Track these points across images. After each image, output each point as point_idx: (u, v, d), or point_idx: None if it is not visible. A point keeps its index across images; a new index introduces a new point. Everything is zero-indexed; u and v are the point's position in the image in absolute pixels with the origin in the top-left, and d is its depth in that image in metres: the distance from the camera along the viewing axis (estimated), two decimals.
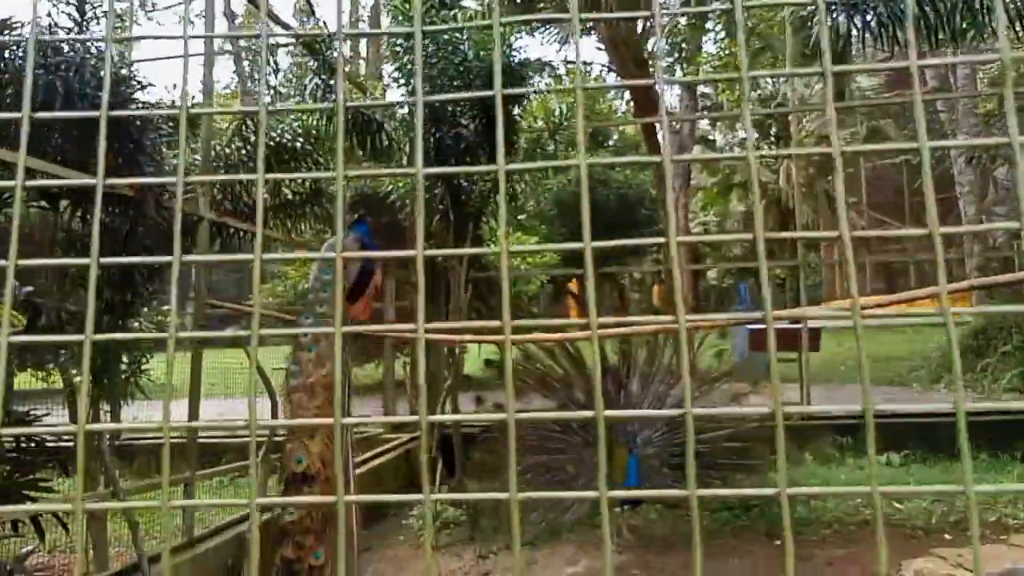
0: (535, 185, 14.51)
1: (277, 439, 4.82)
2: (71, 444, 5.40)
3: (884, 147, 0.60)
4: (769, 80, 22.27)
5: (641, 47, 14.80)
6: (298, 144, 7.72)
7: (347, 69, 8.10)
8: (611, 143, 25.23)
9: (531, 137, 10.40)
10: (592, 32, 16.57)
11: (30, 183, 0.61)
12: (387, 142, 7.74)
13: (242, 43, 20.35)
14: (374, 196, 11.06)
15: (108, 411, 5.59)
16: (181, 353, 5.93)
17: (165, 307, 8.09)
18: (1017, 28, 6.22)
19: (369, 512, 6.68)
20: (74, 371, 5.20)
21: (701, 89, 24.38)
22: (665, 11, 14.73)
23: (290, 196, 8.15)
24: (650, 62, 14.60)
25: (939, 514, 6.12)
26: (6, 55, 4.72)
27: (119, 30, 7.27)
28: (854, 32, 6.31)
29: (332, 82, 7.67)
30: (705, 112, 23.10)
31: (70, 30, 5.09)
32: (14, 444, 4.22)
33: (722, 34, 18.64)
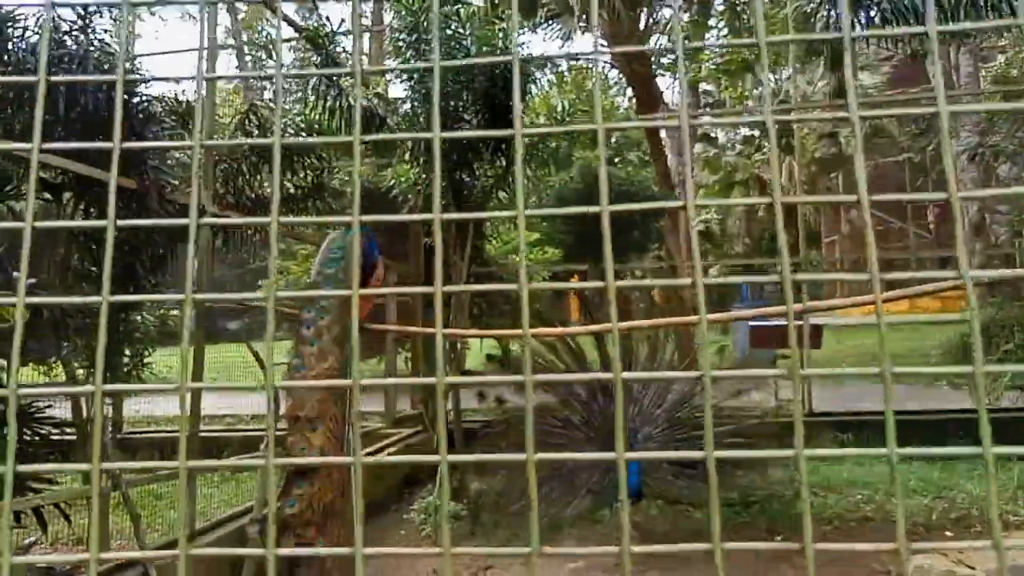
0: (537, 182, 14.51)
1: (279, 432, 4.83)
2: (73, 437, 5.42)
3: (904, 112, 0.60)
4: (772, 77, 22.24)
5: (643, 43, 14.78)
6: (301, 138, 7.73)
7: (348, 65, 8.10)
8: (612, 139, 25.22)
9: (533, 136, 10.37)
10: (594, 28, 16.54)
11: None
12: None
13: (244, 37, 20.32)
14: (376, 191, 11.07)
15: (111, 404, 5.61)
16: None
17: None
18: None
19: (370, 506, 6.70)
20: (76, 364, 5.21)
21: (703, 87, 24.36)
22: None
23: (292, 190, 8.16)
24: (652, 58, 14.61)
25: (940, 511, 6.13)
26: (10, 47, 4.73)
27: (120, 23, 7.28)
28: (858, 28, 6.30)
29: (335, 77, 7.67)
30: (708, 109, 23.07)
31: (73, 23, 5.10)
32: (17, 435, 4.23)
33: (724, 31, 18.63)
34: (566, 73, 22.67)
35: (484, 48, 7.22)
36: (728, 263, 23.43)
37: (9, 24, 4.90)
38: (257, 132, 7.34)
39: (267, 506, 4.91)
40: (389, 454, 7.69)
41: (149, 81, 5.23)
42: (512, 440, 6.17)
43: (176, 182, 5.41)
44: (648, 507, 6.39)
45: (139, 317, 6.15)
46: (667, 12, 16.18)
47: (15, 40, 4.84)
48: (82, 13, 5.20)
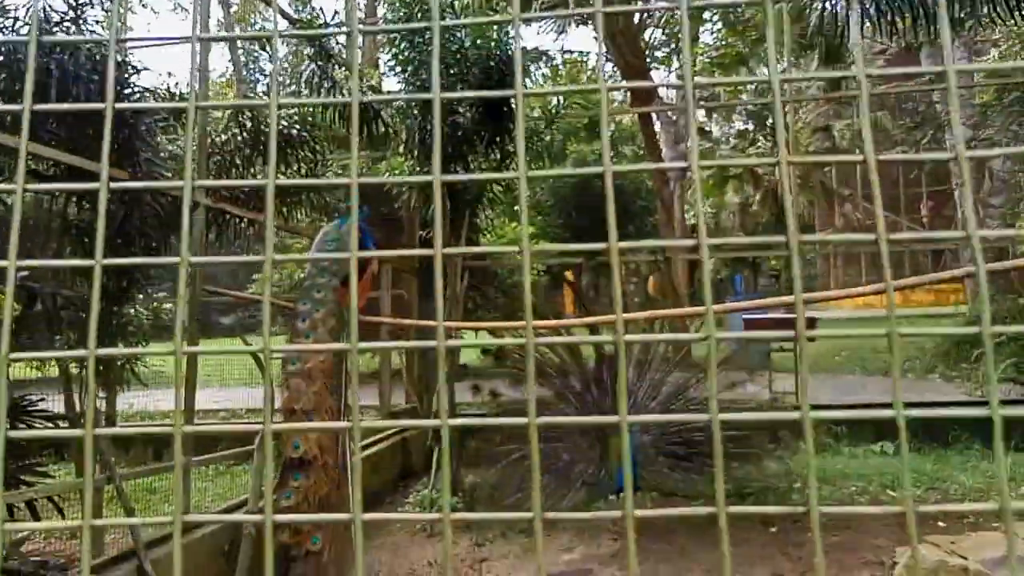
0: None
1: (274, 426, 4.82)
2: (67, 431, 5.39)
3: (913, 70, 0.59)
4: (766, 70, 22.22)
5: (638, 36, 14.76)
6: (295, 131, 7.69)
7: (343, 58, 8.04)
8: (605, 139, 25.16)
9: (528, 126, 10.37)
10: (588, 22, 16.52)
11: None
12: (384, 129, 7.71)
13: (236, 30, 20.21)
14: (370, 185, 11.02)
15: (104, 398, 5.58)
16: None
17: (161, 292, 8.06)
18: (1017, 17, 6.22)
19: (365, 499, 6.69)
20: (70, 358, 5.18)
21: (697, 80, 24.31)
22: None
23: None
24: (647, 52, 14.58)
25: (932, 502, 6.16)
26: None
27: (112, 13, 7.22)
28: (852, 21, 6.30)
29: (328, 69, 7.64)
30: (702, 103, 23.05)
31: (65, 14, 5.06)
32: (9, 428, 4.21)
33: (719, 25, 18.63)
34: (560, 67, 22.62)
35: (478, 40, 7.20)
36: (722, 255, 23.45)
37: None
38: (251, 125, 7.30)
39: (262, 498, 4.90)
40: (384, 447, 7.69)
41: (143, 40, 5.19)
42: (507, 433, 6.17)
43: (169, 175, 5.38)
44: (644, 500, 6.40)
45: (132, 311, 6.12)
46: (662, 5, 16.13)
47: (4, 31, 4.80)
48: (73, 4, 5.16)
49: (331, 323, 4.50)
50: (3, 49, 4.62)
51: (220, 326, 18.10)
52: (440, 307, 0.57)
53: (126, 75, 5.21)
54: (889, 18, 5.97)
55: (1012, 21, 6.48)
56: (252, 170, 7.26)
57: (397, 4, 7.66)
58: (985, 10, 6.28)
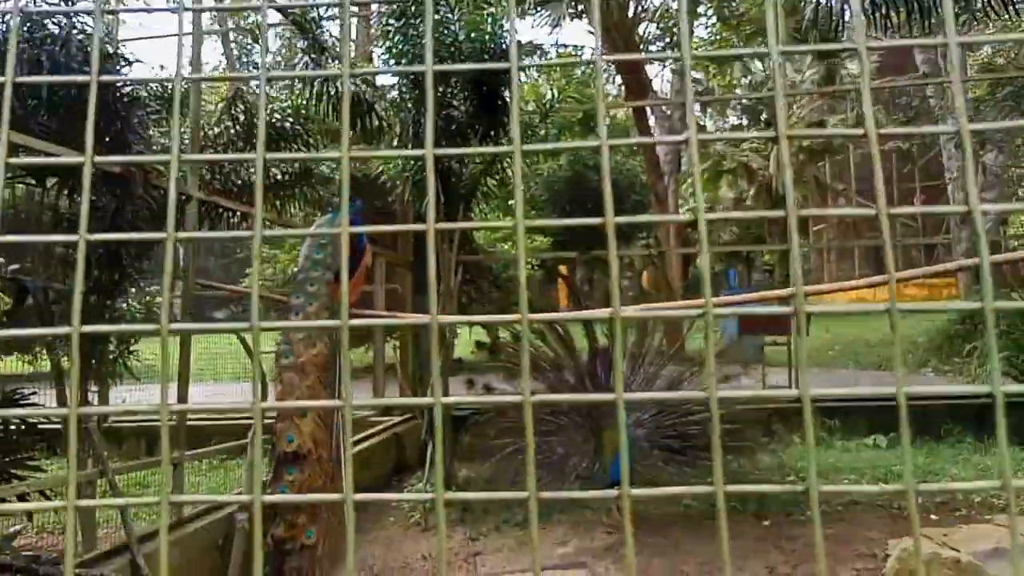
0: (525, 170, 14.46)
1: (267, 420, 4.81)
2: (59, 425, 5.38)
3: (912, 42, 0.58)
4: (760, 65, 22.24)
5: (632, 30, 14.73)
6: (288, 124, 7.66)
7: (336, 51, 8.00)
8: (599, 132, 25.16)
9: (522, 120, 10.33)
10: (583, 16, 16.48)
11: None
12: (377, 122, 7.69)
13: (230, 23, 20.09)
14: (364, 178, 11.00)
15: (96, 392, 5.56)
16: (171, 337, 5.88)
17: (154, 287, 8.03)
18: (1010, 10, 6.24)
19: (360, 492, 6.67)
20: (62, 352, 5.16)
21: (692, 74, 24.30)
22: None
23: (280, 177, 8.09)
24: (641, 46, 14.56)
25: (925, 495, 6.18)
26: None
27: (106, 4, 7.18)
28: (847, 15, 6.30)
29: (322, 61, 7.60)
30: (696, 97, 23.03)
31: (56, 4, 5.02)
32: (2, 425, 4.19)
33: (713, 19, 18.60)
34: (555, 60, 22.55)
35: (472, 33, 7.17)
36: (716, 251, 23.48)
37: None
38: (243, 118, 7.27)
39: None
40: (378, 441, 7.68)
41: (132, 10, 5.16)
42: (501, 428, 6.17)
43: (161, 168, 5.35)
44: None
45: (124, 304, 6.10)
46: (655, 0, 16.12)
47: None
48: None
49: (324, 317, 4.50)
50: None
51: (213, 320, 18.05)
52: (432, 283, 0.56)
53: (118, 67, 5.18)
54: (884, 11, 5.97)
55: (1006, 16, 6.49)
56: (245, 164, 7.22)
57: None
58: (979, 4, 6.29)
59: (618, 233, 0.55)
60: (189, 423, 5.88)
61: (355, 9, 15.49)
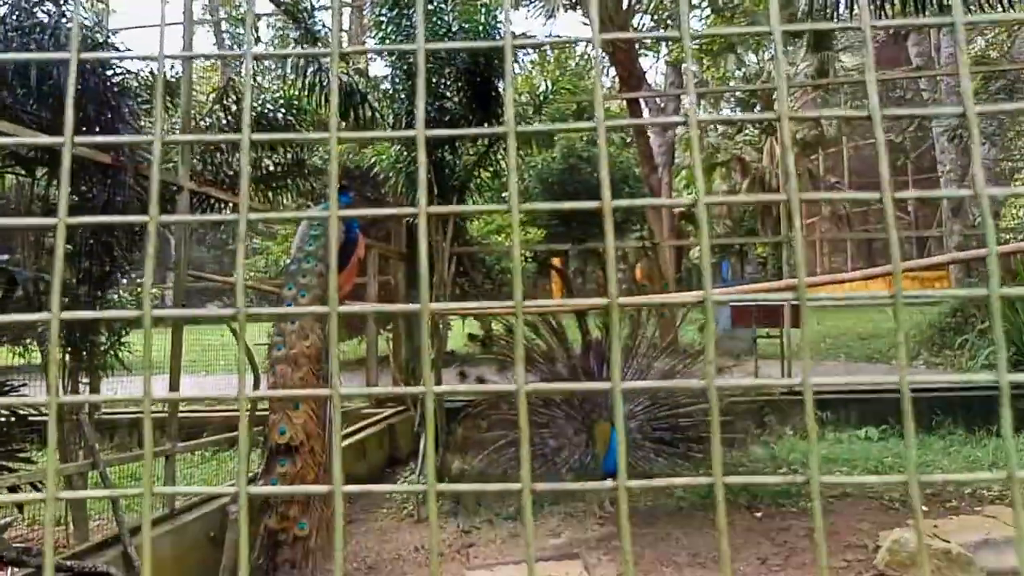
0: (519, 162, 14.43)
1: (260, 412, 4.80)
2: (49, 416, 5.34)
3: (919, 22, 0.58)
4: (754, 57, 22.24)
5: (628, 22, 14.70)
6: (280, 115, 7.62)
7: (328, 42, 7.95)
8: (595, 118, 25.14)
9: (516, 112, 10.31)
10: (577, 7, 16.44)
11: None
12: (371, 113, 7.65)
13: (221, 13, 19.99)
14: (357, 170, 10.97)
15: (88, 384, 5.53)
16: (162, 328, 5.86)
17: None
18: (1005, 4, 6.24)
19: (352, 484, 6.67)
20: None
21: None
22: None
23: (272, 168, 8.06)
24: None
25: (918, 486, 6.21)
26: None
27: None
28: (842, 7, 6.29)
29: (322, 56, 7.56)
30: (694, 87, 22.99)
31: None
32: None
33: (708, 11, 18.58)
34: (548, 53, 22.53)
35: (466, 24, 7.14)
36: (709, 242, 23.46)
37: None
38: (235, 108, 7.22)
39: (249, 483, 4.89)
40: (371, 433, 7.68)
41: None
42: (493, 420, 6.17)
43: (151, 157, 5.32)
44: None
45: (116, 296, 6.06)
46: None
47: None
48: None
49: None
50: None
51: (206, 315, 18.00)
52: (425, 269, 0.55)
53: (121, 58, 5.13)
54: (878, 3, 5.96)
55: (1000, 7, 6.50)
56: (237, 155, 7.19)
57: None
58: None
59: (612, 224, 0.55)
60: (181, 414, 5.85)
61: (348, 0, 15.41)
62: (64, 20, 4.55)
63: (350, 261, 5.02)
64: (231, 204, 6.64)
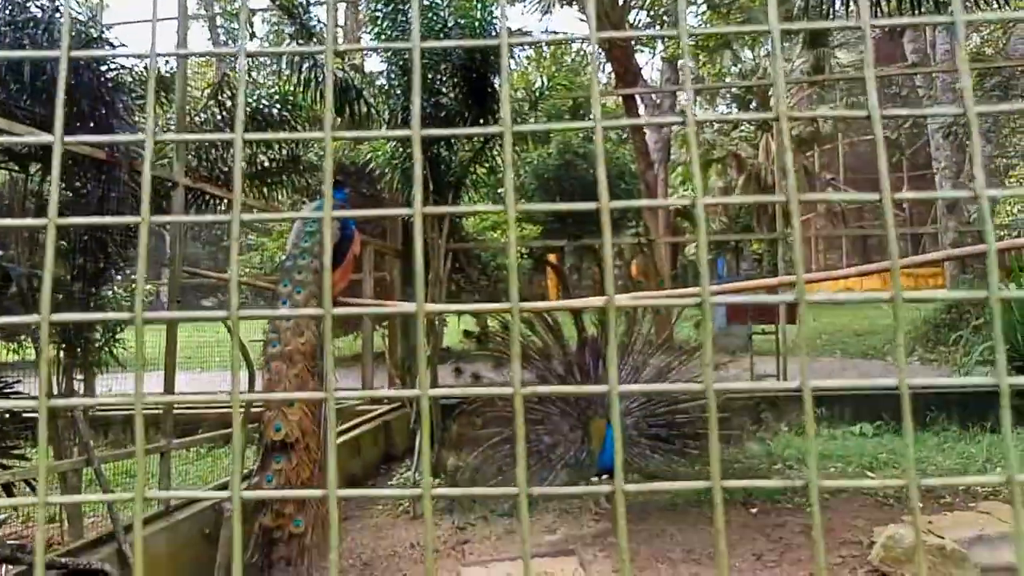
0: (515, 158, 14.42)
1: (255, 409, 4.79)
2: None
3: (917, 21, 0.57)
4: (750, 54, 22.24)
5: (623, 18, 14.68)
6: (275, 110, 7.59)
7: (324, 37, 7.93)
8: (591, 117, 25.14)
9: (511, 108, 10.26)
10: (573, 2, 16.42)
11: None
12: (366, 109, 7.63)
13: (216, 8, 19.90)
14: (352, 166, 10.94)
15: (82, 381, 5.52)
16: (157, 326, 5.84)
17: None
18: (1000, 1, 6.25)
19: (348, 482, 6.69)
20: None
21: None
22: None
23: (267, 164, 8.03)
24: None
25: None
26: None
27: None
28: (837, 3, 6.29)
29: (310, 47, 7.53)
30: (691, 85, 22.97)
31: None
32: None
33: (704, 7, 18.55)
34: (544, 49, 22.50)
35: (461, 20, 7.12)
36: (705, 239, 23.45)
37: None
38: (231, 104, 7.20)
39: (244, 479, 4.85)
40: (367, 430, 7.68)
41: None
42: (489, 417, 6.16)
43: (145, 154, 5.29)
44: (625, 481, 6.43)
45: (110, 293, 6.05)
46: None
47: None
48: None
49: (313, 306, 4.47)
50: None
51: (201, 309, 17.95)
52: (420, 269, 0.55)
53: (113, 56, 5.11)
54: (874, 0, 5.97)
55: (996, 5, 6.51)
56: (232, 151, 7.17)
57: None
58: None
59: (610, 225, 0.54)
60: (176, 411, 5.85)
61: None
62: (58, 15, 4.53)
63: (346, 258, 5.00)
64: (226, 200, 6.62)
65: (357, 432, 7.49)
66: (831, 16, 6.47)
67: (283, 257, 5.57)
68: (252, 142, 7.58)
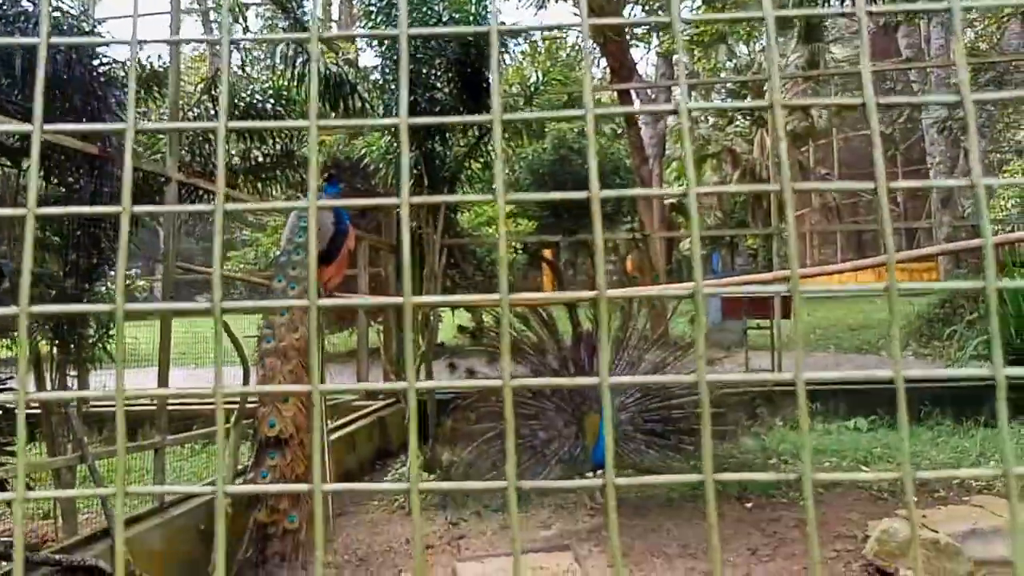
0: (510, 152, 14.41)
1: (250, 405, 4.77)
2: (38, 410, 5.31)
3: (913, 7, 0.56)
4: (744, 48, 22.24)
5: (618, 13, 14.66)
6: (268, 105, 7.56)
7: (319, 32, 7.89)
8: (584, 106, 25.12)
9: (506, 103, 10.28)
10: None
11: None
12: (360, 104, 7.61)
13: (210, 3, 19.81)
14: (347, 161, 10.91)
15: (76, 377, 5.50)
16: (151, 321, 5.83)
17: (134, 269, 7.95)
18: None
19: (342, 478, 6.68)
20: (40, 336, 5.10)
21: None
22: None
23: (260, 159, 8.00)
24: (626, 29, 14.49)
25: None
26: None
27: None
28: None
29: (303, 42, 7.50)
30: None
31: None
32: None
33: (698, 1, 18.53)
34: (539, 43, 22.48)
35: (456, 14, 7.10)
36: (700, 233, 23.47)
37: None
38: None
39: (238, 475, 4.84)
40: (362, 425, 7.67)
41: None
42: (483, 412, 6.16)
43: (139, 148, 5.27)
44: (618, 475, 6.43)
45: (104, 288, 6.02)
46: None
47: None
48: None
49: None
50: None
51: (194, 308, 17.91)
52: (407, 261, 0.54)
53: (95, 46, 5.07)
54: None
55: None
56: (226, 145, 7.14)
57: None
58: None
59: (602, 216, 0.54)
60: (172, 407, 5.83)
61: None
62: (49, 8, 4.50)
63: (340, 253, 4.99)
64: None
65: (352, 428, 7.47)
66: (827, 5, 6.46)
67: (277, 253, 5.56)
68: (246, 137, 7.52)
